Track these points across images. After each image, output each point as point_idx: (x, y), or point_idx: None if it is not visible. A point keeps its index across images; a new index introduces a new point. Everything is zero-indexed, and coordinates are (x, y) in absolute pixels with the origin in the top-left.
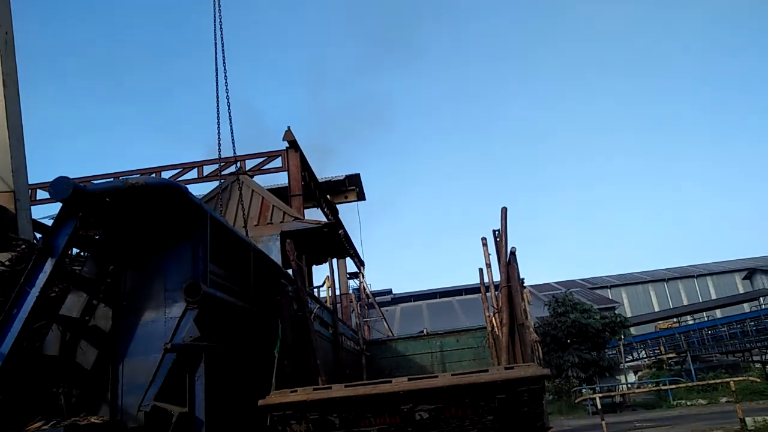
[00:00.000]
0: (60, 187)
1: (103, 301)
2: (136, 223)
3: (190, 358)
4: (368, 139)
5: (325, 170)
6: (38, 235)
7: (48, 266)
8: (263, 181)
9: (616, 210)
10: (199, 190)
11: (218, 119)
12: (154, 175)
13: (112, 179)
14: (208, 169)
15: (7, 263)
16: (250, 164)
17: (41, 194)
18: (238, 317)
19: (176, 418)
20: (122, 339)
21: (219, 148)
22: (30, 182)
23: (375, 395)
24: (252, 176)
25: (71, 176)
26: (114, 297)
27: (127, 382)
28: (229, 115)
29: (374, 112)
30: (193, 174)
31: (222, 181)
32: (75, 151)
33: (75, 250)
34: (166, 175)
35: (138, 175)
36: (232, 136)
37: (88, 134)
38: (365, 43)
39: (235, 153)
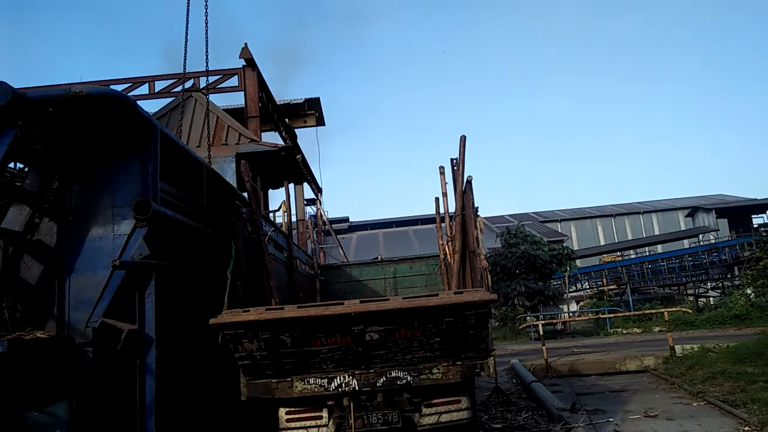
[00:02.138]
0: None
1: (48, 216)
2: (81, 136)
3: (140, 275)
4: (338, 46)
5: (293, 79)
6: None
7: None
8: (219, 101)
9: (571, 146)
10: (150, 107)
11: (187, 24)
12: None
13: (56, 88)
14: (159, 85)
15: None
16: (204, 82)
17: None
18: (190, 237)
19: (125, 335)
20: (68, 254)
21: (185, 60)
22: None
23: (327, 316)
24: (206, 95)
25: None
26: (59, 211)
27: (74, 297)
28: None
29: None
30: (144, 90)
31: (174, 98)
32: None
33: (18, 167)
34: (115, 88)
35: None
36: (207, 48)
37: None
38: None
39: (207, 65)
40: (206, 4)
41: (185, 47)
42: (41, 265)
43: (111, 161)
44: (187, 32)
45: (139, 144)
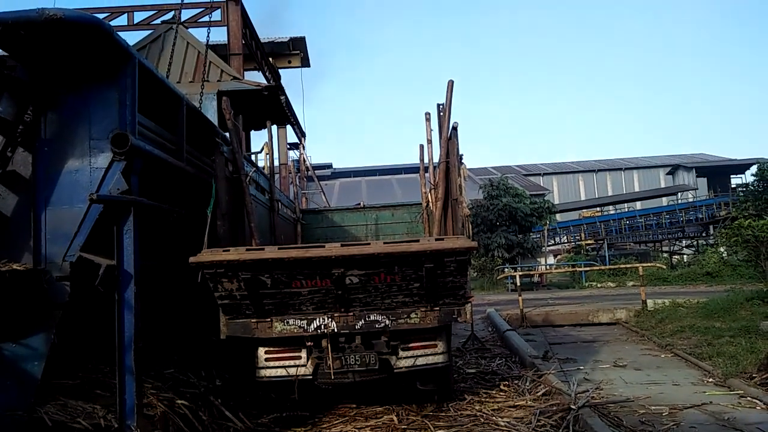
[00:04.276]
0: None
1: (22, 146)
2: (56, 62)
3: (118, 211)
4: None
5: (280, 16)
6: None
7: None
8: (200, 36)
9: (557, 101)
10: (129, 39)
11: None
12: None
13: (28, 10)
14: (139, 17)
15: None
16: (186, 15)
17: None
18: (170, 174)
19: (104, 269)
20: (44, 186)
21: None
22: None
23: (307, 258)
24: (187, 27)
25: None
26: (34, 141)
27: (50, 230)
28: None
29: None
30: (122, 21)
31: (153, 31)
32: None
33: None
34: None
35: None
36: None
37: None
38: None
39: None
40: None
41: None
42: (16, 197)
43: (87, 91)
44: None
45: (116, 73)
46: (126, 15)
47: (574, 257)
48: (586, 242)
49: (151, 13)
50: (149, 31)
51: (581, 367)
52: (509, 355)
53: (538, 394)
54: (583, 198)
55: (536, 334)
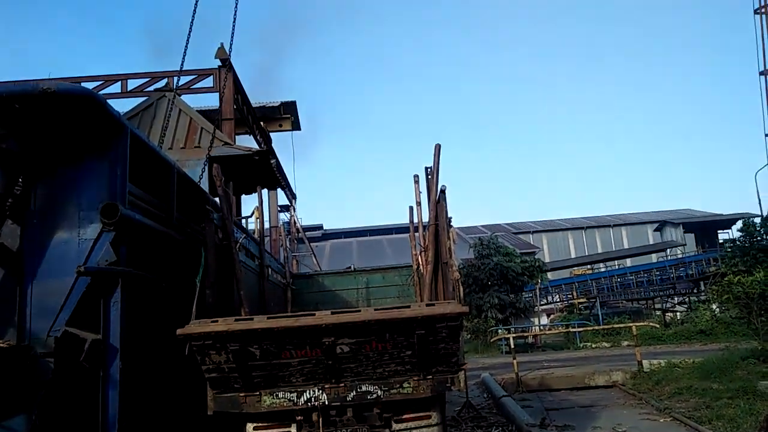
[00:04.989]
0: None
1: (11, 218)
2: (48, 134)
3: (106, 283)
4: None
5: (276, 79)
6: None
7: None
8: (192, 101)
9: (545, 158)
10: (122, 106)
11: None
12: None
13: (23, 84)
14: (133, 84)
15: None
16: (179, 81)
17: None
18: (159, 243)
19: (89, 344)
20: (31, 259)
21: (184, 56)
22: None
23: (297, 328)
24: (180, 95)
25: None
26: (23, 213)
27: (36, 305)
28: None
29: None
30: (116, 88)
31: (147, 98)
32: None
33: None
34: (86, 86)
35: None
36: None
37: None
38: None
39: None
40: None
41: (185, 50)
42: (2, 270)
43: (78, 162)
44: (188, 39)
45: (108, 144)
46: (120, 83)
47: (568, 317)
48: (579, 301)
49: (145, 80)
50: (143, 98)
51: None
52: (506, 424)
53: None
54: (573, 255)
55: (533, 399)
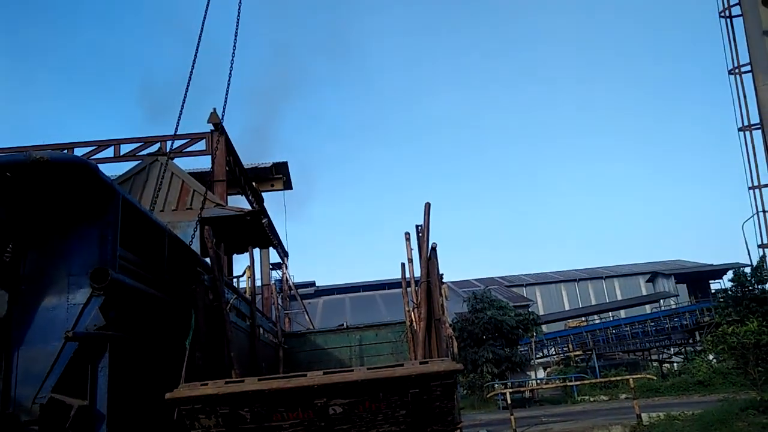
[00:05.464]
0: None
1: None
2: (40, 200)
3: (94, 347)
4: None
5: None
6: None
7: None
8: (185, 163)
9: (536, 212)
10: (114, 170)
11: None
12: (66, 151)
13: (15, 153)
14: (125, 149)
15: None
16: (171, 145)
17: None
18: (149, 306)
19: (75, 411)
20: (19, 325)
21: (178, 122)
22: None
23: (289, 389)
24: (173, 158)
25: None
26: (11, 279)
27: (22, 371)
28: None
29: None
30: (109, 152)
31: (139, 162)
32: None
33: None
34: (79, 152)
35: (47, 151)
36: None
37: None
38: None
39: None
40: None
41: (179, 117)
42: None
43: (70, 227)
44: (182, 106)
45: (100, 210)
46: (113, 147)
47: (564, 370)
48: (575, 353)
49: (138, 144)
50: (135, 162)
51: None
52: None
53: None
54: (567, 307)
55: None
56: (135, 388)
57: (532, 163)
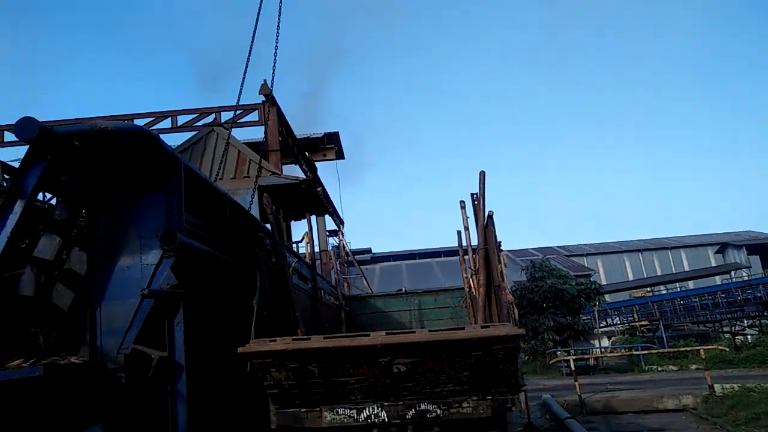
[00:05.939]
0: (25, 128)
1: (78, 245)
2: (108, 168)
3: (169, 304)
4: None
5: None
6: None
7: (18, 207)
8: (239, 134)
9: (598, 179)
10: (172, 141)
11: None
12: (126, 122)
13: (82, 124)
14: (182, 119)
15: None
16: (225, 116)
17: (9, 136)
18: (217, 268)
19: (156, 361)
20: (98, 283)
21: (240, 90)
22: None
23: (353, 348)
24: (227, 129)
25: (46, 119)
26: (88, 241)
27: (105, 325)
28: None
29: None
30: (166, 123)
31: (196, 132)
32: (60, 94)
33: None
34: (139, 123)
35: (112, 121)
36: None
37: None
38: None
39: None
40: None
41: (240, 89)
42: (72, 293)
43: (137, 194)
44: (243, 81)
45: (164, 177)
46: (170, 119)
47: (629, 339)
48: (640, 323)
49: (193, 116)
50: (192, 133)
51: None
52: None
53: None
54: (630, 278)
55: (597, 422)
56: (209, 342)
57: (594, 130)
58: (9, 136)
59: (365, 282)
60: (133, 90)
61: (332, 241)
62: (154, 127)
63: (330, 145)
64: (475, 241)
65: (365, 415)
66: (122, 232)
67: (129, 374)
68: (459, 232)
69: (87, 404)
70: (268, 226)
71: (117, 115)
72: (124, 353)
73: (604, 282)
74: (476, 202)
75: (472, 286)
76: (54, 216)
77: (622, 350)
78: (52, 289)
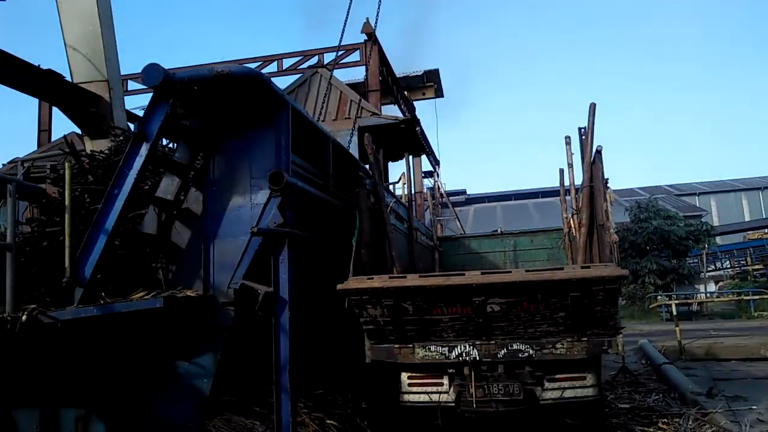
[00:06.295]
0: (151, 74)
1: (194, 186)
2: (221, 111)
3: (275, 242)
4: None
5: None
6: (132, 126)
7: (143, 150)
8: (340, 75)
9: (714, 111)
10: (279, 83)
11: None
12: None
13: (199, 69)
14: (287, 63)
15: (107, 152)
16: (328, 58)
17: (132, 85)
18: (318, 207)
19: (263, 296)
20: (212, 221)
21: (343, 30)
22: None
23: (448, 286)
24: (330, 70)
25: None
26: (203, 182)
27: (217, 261)
28: None
29: None
30: (272, 67)
31: (301, 75)
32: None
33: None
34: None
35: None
36: None
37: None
38: None
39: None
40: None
41: (343, 30)
42: (189, 231)
43: (247, 136)
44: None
45: (272, 119)
46: (276, 62)
47: (740, 284)
48: (754, 267)
49: (298, 59)
50: (297, 75)
51: (753, 407)
52: (666, 391)
53: None
54: (747, 219)
55: (697, 368)
56: (311, 279)
57: (709, 58)
58: (131, 85)
59: (459, 224)
60: (237, 35)
61: (427, 182)
62: (261, 71)
63: (429, 83)
64: (578, 180)
65: (457, 353)
66: (234, 172)
67: (238, 307)
68: (561, 170)
69: (200, 335)
70: (367, 166)
71: (225, 61)
72: (234, 288)
73: (716, 223)
74: (584, 137)
75: (573, 226)
76: (174, 158)
77: (730, 295)
78: (171, 228)
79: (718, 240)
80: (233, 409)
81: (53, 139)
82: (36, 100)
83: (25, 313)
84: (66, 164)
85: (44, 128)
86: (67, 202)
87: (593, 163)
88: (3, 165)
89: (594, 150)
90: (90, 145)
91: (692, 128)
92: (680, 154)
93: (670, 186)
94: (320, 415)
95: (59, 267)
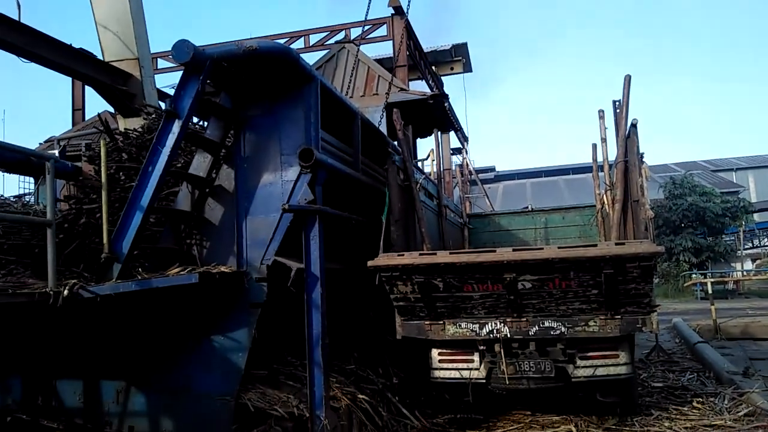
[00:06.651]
0: (181, 51)
1: (226, 163)
2: (251, 88)
3: (306, 219)
4: None
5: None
6: (163, 104)
7: (176, 127)
8: (367, 50)
9: (753, 84)
10: (307, 59)
11: None
12: None
13: (228, 45)
14: (314, 38)
15: (140, 130)
16: (354, 33)
17: (162, 63)
18: (348, 184)
19: (295, 272)
20: (244, 198)
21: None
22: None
23: (479, 263)
24: (358, 45)
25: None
26: (235, 159)
27: (250, 237)
28: None
29: None
30: (299, 44)
31: (328, 50)
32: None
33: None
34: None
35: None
36: None
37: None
38: None
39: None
40: None
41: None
42: (222, 208)
43: (277, 112)
44: None
45: (301, 95)
46: (303, 38)
47: None
48: None
49: (325, 34)
50: (324, 51)
51: None
52: (701, 370)
53: (740, 414)
54: None
55: (733, 347)
56: (341, 255)
57: (751, 30)
58: (160, 63)
59: (488, 201)
60: (264, 13)
61: (455, 159)
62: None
63: (458, 57)
64: (611, 155)
65: (488, 330)
66: (265, 149)
67: (271, 283)
68: (594, 145)
69: (234, 310)
70: (397, 143)
71: (255, 37)
72: (267, 264)
73: (754, 200)
74: (618, 110)
75: (606, 202)
76: (205, 135)
77: None
78: (205, 204)
79: (756, 217)
80: (267, 383)
81: (86, 117)
82: (69, 79)
83: (67, 287)
84: (101, 142)
85: (78, 107)
86: (103, 180)
87: (628, 137)
88: (40, 144)
89: (629, 123)
90: (123, 124)
91: (731, 101)
92: (718, 128)
93: (706, 161)
94: (352, 390)
95: (96, 243)
